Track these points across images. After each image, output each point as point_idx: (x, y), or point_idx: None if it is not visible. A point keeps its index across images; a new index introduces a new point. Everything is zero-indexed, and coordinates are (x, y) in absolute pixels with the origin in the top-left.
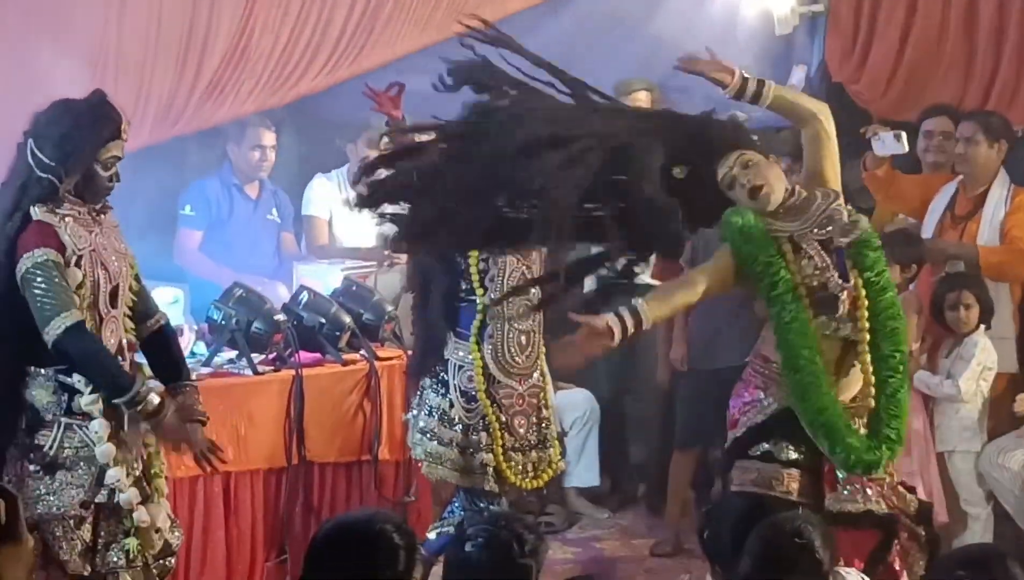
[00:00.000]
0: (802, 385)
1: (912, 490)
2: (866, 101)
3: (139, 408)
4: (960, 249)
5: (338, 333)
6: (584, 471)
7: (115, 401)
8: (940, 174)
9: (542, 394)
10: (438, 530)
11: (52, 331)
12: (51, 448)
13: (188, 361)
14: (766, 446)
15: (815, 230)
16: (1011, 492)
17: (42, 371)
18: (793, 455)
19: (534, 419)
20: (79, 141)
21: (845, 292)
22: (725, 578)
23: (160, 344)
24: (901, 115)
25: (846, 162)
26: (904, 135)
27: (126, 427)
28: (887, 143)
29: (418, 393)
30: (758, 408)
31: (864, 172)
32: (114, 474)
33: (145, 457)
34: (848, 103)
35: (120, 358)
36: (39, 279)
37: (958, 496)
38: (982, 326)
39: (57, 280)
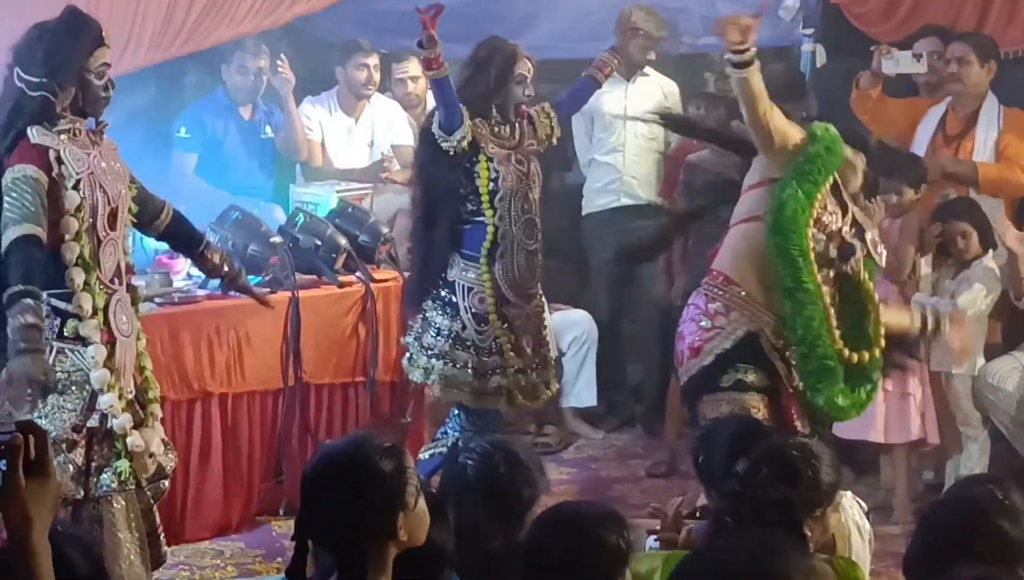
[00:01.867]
0: (814, 346)
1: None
2: (866, 23)
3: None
4: (957, 165)
5: (334, 255)
6: (581, 391)
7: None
8: (927, 98)
9: (543, 314)
10: (431, 451)
11: (5, 238)
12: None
13: (185, 283)
14: (735, 375)
15: None
16: (1006, 414)
17: None
18: (759, 381)
19: (536, 340)
20: (64, 52)
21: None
22: (719, 501)
23: (176, 229)
24: (898, 37)
25: (845, 87)
26: (925, 55)
27: (119, 351)
28: (902, 62)
29: (420, 315)
30: (724, 334)
31: (856, 91)
32: (107, 399)
33: (139, 381)
34: (846, 25)
35: (117, 282)
36: (13, 193)
37: (954, 418)
38: (990, 251)
39: (29, 195)
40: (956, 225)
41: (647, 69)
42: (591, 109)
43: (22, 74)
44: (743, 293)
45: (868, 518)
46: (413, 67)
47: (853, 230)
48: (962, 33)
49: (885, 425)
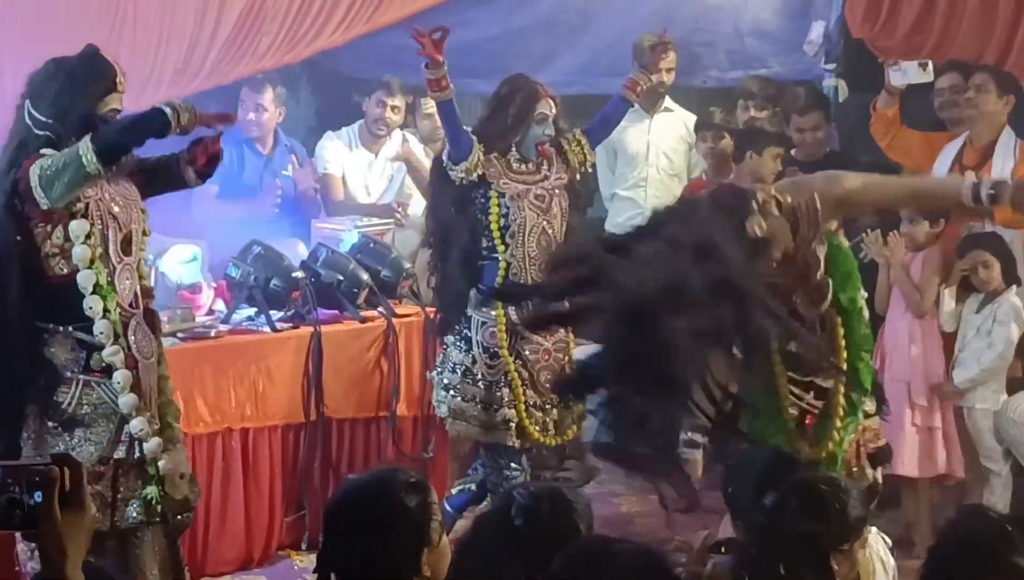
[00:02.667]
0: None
1: (879, 461)
2: (889, 58)
3: (188, 119)
4: None
5: (356, 290)
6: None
7: (168, 133)
8: (947, 132)
9: (567, 349)
10: (460, 487)
11: (88, 156)
12: (69, 405)
13: (207, 318)
14: None
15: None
16: None
17: (60, 329)
18: None
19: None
20: (74, 95)
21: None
22: (747, 532)
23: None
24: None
25: (867, 121)
26: (931, 64)
27: (143, 375)
28: (909, 72)
29: (442, 351)
30: None
31: (874, 113)
32: (137, 424)
33: (161, 403)
34: (869, 60)
35: (135, 306)
36: (47, 164)
37: (977, 452)
38: (1013, 286)
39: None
40: (978, 255)
41: (670, 104)
42: (613, 143)
43: (31, 110)
44: None
45: (892, 553)
46: None
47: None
48: (985, 65)
49: (912, 459)
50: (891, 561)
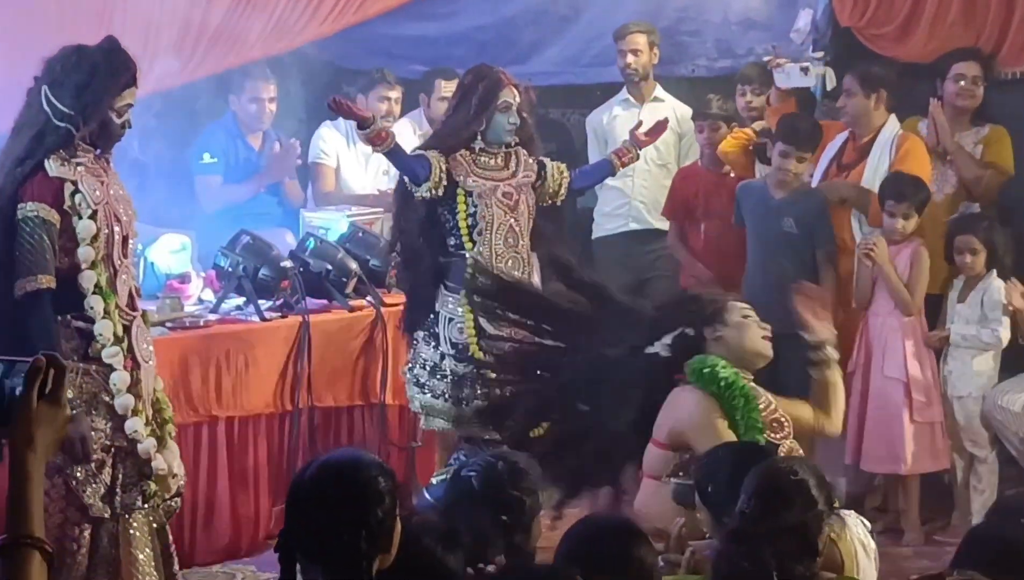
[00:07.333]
0: None
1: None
2: (880, 46)
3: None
4: (851, 191)
5: (344, 279)
6: None
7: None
8: (838, 122)
9: None
10: (442, 477)
11: (18, 289)
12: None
13: (196, 307)
14: None
15: None
16: (1016, 434)
17: (59, 318)
18: None
19: None
20: (97, 90)
21: None
22: (722, 525)
23: None
24: (919, 60)
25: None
26: (810, 67)
27: (143, 377)
28: (792, 76)
29: (412, 346)
30: None
31: (768, 108)
32: (132, 424)
33: (153, 401)
34: (858, 49)
35: (133, 309)
36: (25, 233)
37: (961, 439)
38: (994, 270)
39: (38, 238)
40: (966, 239)
41: (661, 93)
42: (604, 132)
43: (51, 98)
44: None
45: (872, 536)
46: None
47: None
48: (862, 69)
49: (913, 456)
50: (872, 544)
